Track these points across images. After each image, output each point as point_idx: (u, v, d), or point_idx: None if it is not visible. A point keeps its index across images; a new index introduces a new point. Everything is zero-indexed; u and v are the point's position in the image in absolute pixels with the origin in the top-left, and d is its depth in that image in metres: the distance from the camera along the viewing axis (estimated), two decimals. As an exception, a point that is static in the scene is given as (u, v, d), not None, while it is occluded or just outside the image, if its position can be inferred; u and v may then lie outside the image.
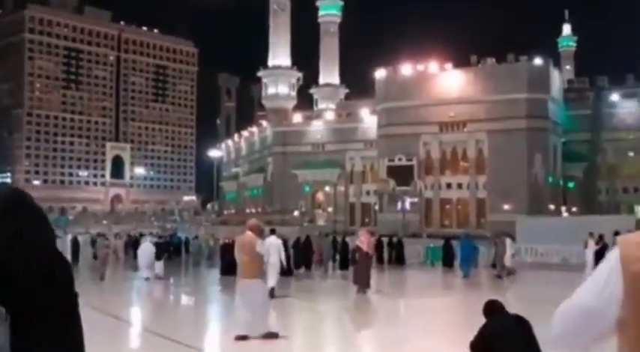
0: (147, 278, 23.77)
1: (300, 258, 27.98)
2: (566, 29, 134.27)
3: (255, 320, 10.80)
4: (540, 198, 66.94)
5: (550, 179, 69.82)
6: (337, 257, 30.18)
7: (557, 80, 74.71)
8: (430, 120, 72.12)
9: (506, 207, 65.80)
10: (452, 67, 72.63)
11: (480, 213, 70.54)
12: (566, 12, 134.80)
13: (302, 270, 27.82)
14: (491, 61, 71.15)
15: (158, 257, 25.41)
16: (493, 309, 6.42)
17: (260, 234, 11.48)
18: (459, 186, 72.77)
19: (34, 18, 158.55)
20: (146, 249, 24.61)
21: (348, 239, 31.10)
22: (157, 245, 26.33)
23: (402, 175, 71.30)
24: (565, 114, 74.81)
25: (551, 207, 68.02)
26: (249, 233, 11.05)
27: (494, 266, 27.25)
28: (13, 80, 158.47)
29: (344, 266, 27.59)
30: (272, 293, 16.80)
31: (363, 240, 19.42)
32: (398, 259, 33.14)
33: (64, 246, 32.53)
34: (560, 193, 73.11)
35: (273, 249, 17.22)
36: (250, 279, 10.77)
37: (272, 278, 17.35)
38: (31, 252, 1.58)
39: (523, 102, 67.59)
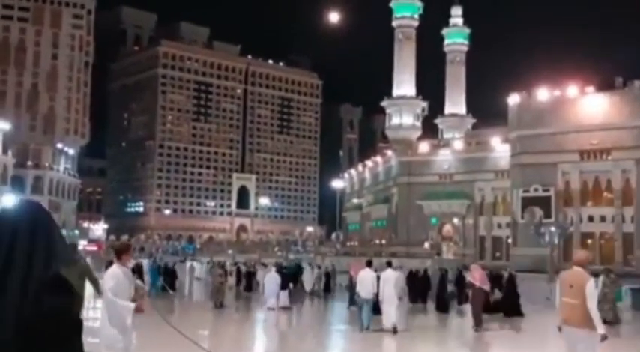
0: (271, 309, 23.04)
1: (417, 291, 27.08)
2: None
3: None
4: (698, 233, 60.46)
5: None
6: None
7: None
8: (569, 147, 67.38)
9: (657, 242, 60.12)
10: (594, 91, 67.57)
11: (627, 248, 64.63)
12: None
13: (419, 304, 26.94)
14: (638, 83, 65.57)
15: (283, 287, 24.17)
16: None
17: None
18: (602, 218, 67.23)
19: (168, 54, 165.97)
20: (272, 279, 23.80)
21: (464, 273, 28.28)
22: (281, 275, 25.07)
23: (538, 207, 66.68)
24: None
25: None
26: (578, 269, 8.57)
27: None
28: (147, 113, 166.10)
29: (460, 301, 26.73)
30: (395, 330, 16.73)
31: (475, 276, 19.10)
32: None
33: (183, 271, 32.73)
34: None
35: (389, 282, 17.21)
36: (580, 329, 8.35)
37: (392, 314, 17.10)
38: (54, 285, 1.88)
39: (678, 127, 61.71)
